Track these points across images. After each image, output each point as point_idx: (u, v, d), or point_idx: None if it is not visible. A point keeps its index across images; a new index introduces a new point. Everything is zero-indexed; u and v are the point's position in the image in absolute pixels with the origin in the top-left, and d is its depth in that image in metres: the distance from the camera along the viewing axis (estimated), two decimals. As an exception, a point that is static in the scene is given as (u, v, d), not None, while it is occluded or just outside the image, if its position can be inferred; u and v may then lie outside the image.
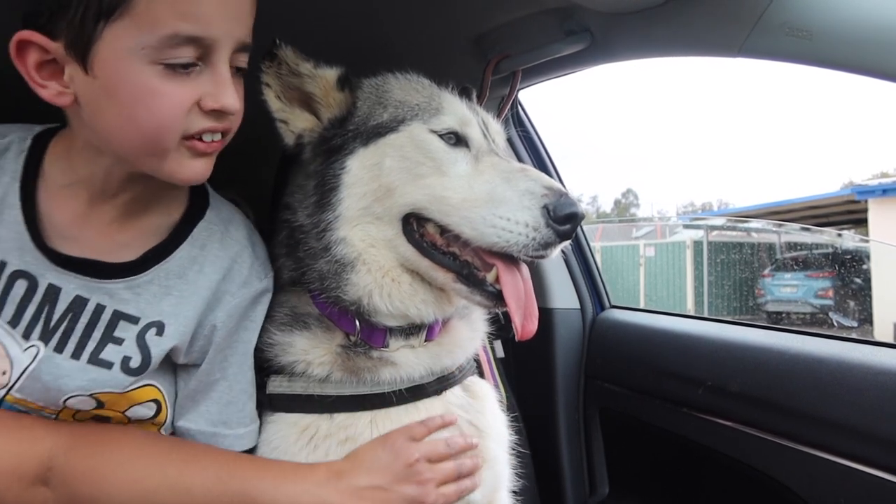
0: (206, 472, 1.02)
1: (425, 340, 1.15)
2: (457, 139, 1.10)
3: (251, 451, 1.15)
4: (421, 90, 1.16)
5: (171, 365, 1.13)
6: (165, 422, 1.14)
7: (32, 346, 1.00)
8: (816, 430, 1.36)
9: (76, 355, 1.01)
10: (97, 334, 1.02)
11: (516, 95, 1.94)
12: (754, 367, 1.52)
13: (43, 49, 0.89)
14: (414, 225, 1.08)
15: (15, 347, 0.99)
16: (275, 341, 1.15)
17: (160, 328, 1.05)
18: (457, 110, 1.13)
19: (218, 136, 0.98)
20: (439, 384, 1.16)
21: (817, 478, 1.35)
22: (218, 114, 0.94)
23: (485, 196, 1.02)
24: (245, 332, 1.13)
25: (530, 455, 1.93)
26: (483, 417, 1.21)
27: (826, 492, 1.33)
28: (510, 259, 1.03)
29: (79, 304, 1.01)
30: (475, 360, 1.30)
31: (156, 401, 1.10)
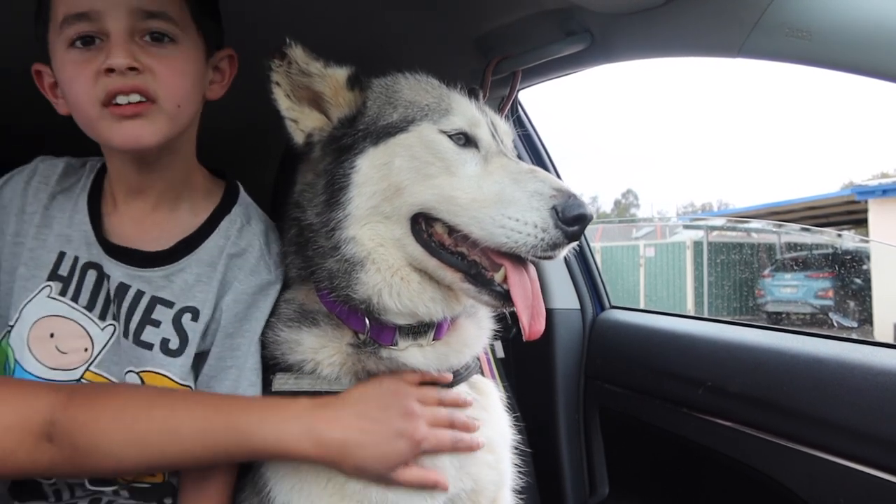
0: (193, 411, 1.04)
1: (433, 339, 1.15)
2: (466, 140, 1.10)
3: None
4: (430, 90, 1.16)
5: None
6: None
7: (110, 324, 1.14)
8: (816, 431, 1.36)
9: (125, 335, 1.14)
10: (136, 317, 1.14)
11: (516, 96, 1.94)
12: (754, 368, 1.52)
13: (49, 74, 1.12)
14: (422, 224, 1.08)
15: (93, 327, 1.14)
16: (282, 339, 1.15)
17: (195, 314, 1.15)
18: (466, 111, 1.13)
19: (136, 98, 1.04)
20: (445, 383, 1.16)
21: (817, 478, 1.35)
22: (116, 75, 1.02)
23: (494, 196, 1.02)
24: (252, 322, 1.19)
25: (530, 455, 1.94)
26: (488, 415, 1.22)
27: (826, 492, 1.33)
28: (518, 259, 1.04)
29: (122, 289, 1.15)
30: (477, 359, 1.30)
31: None
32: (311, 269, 1.13)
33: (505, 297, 1.03)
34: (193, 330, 1.15)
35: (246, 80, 2.28)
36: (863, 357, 1.36)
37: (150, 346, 1.14)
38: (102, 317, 1.15)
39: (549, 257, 1.01)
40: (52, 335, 1.13)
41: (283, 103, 1.14)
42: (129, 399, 1.07)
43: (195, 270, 1.18)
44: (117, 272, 1.15)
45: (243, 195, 1.30)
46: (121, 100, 1.04)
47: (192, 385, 1.17)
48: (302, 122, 1.15)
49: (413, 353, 1.12)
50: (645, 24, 1.34)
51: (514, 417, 1.31)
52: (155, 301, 1.15)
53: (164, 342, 1.14)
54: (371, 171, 1.09)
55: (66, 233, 1.17)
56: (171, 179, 1.19)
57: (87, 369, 1.14)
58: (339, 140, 1.13)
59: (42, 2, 1.09)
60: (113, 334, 1.14)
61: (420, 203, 1.07)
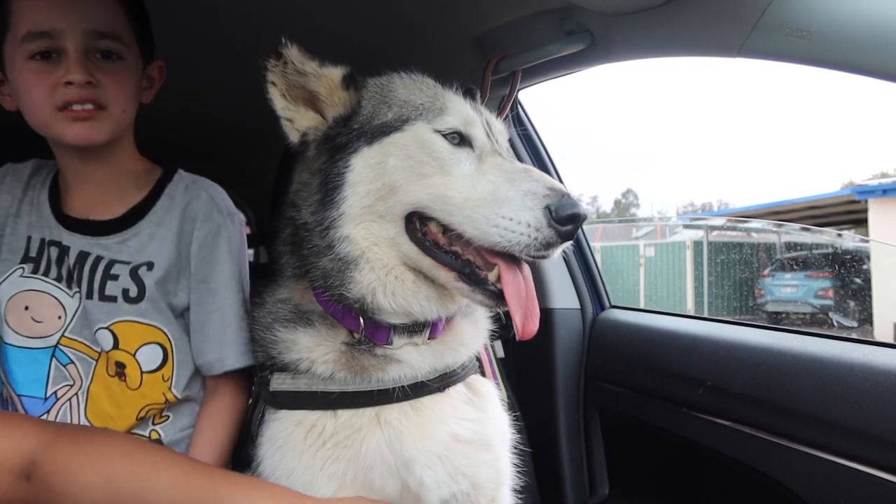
0: (175, 475, 1.02)
1: (429, 338, 1.15)
2: (460, 139, 1.10)
3: (247, 443, 1.18)
4: (425, 90, 1.16)
5: (177, 316, 1.36)
6: (172, 377, 1.34)
7: (77, 291, 1.29)
8: (816, 430, 1.36)
9: (89, 296, 1.29)
10: (98, 277, 1.29)
11: (516, 95, 1.94)
12: (754, 368, 1.52)
13: None
14: (417, 223, 1.08)
15: (64, 296, 1.29)
16: (278, 338, 1.15)
17: (150, 266, 1.32)
18: (461, 110, 1.13)
19: (89, 106, 1.22)
20: (442, 381, 1.16)
21: (817, 478, 1.35)
22: (74, 87, 1.19)
23: (488, 196, 1.02)
24: (220, 264, 1.36)
25: (530, 455, 1.93)
26: (486, 415, 1.21)
27: (826, 492, 1.33)
28: (512, 259, 1.04)
29: (82, 257, 1.30)
30: (476, 359, 1.30)
31: (161, 345, 1.32)
32: (305, 268, 1.13)
33: (499, 297, 1.03)
34: (150, 277, 1.31)
35: (246, 80, 2.28)
36: (863, 357, 1.36)
37: (114, 299, 1.29)
38: (70, 286, 1.30)
39: (543, 257, 1.01)
40: (26, 308, 1.28)
41: (279, 103, 1.14)
42: (112, 449, 1.05)
43: (147, 231, 1.34)
44: (77, 242, 1.31)
45: (183, 172, 1.45)
46: (76, 106, 1.21)
47: (176, 337, 1.33)
48: (297, 122, 1.16)
49: (408, 352, 1.12)
50: (645, 24, 1.34)
51: (514, 417, 1.31)
52: (112, 262, 1.31)
53: (125, 292, 1.30)
54: (365, 170, 1.09)
55: (32, 220, 1.33)
56: (115, 167, 1.35)
57: (62, 335, 1.29)
58: (333, 139, 1.13)
59: (2, 13, 1.21)
60: (80, 302, 1.29)
61: (414, 202, 1.07)
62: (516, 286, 1.02)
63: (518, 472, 1.30)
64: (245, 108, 2.43)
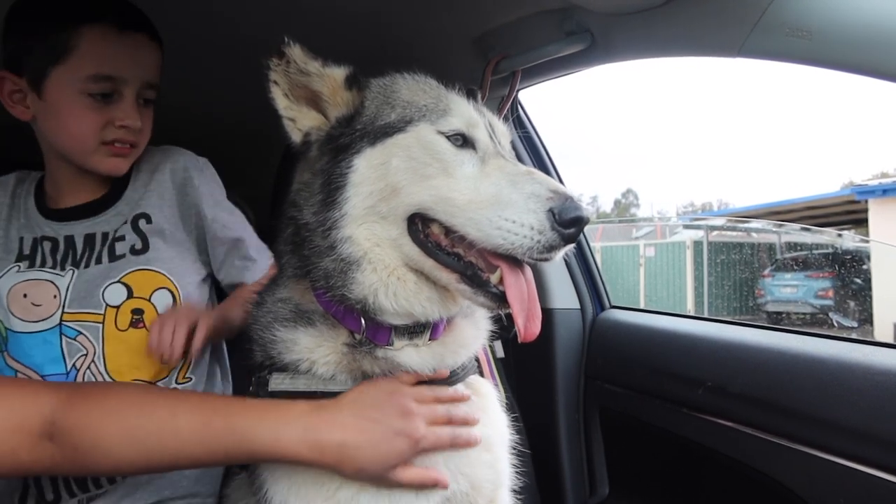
0: (193, 413, 1.04)
1: (430, 339, 1.14)
2: (464, 141, 1.10)
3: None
4: (428, 91, 1.16)
5: (186, 265, 1.50)
6: None
7: (69, 270, 1.41)
8: (817, 431, 1.36)
9: (99, 260, 1.42)
10: (108, 244, 1.43)
11: (516, 95, 1.94)
12: (754, 368, 1.52)
13: (13, 83, 1.35)
14: (419, 225, 1.08)
15: (57, 278, 1.40)
16: (278, 338, 1.15)
17: (147, 218, 1.45)
18: (464, 112, 1.13)
19: (127, 145, 1.40)
20: (441, 382, 1.15)
21: (817, 478, 1.35)
22: (126, 129, 1.36)
23: (491, 198, 1.02)
24: (221, 198, 1.56)
25: (530, 455, 1.93)
26: (485, 415, 1.21)
27: (826, 492, 1.33)
28: (514, 261, 1.04)
29: (90, 239, 1.44)
30: (475, 359, 1.30)
31: (169, 290, 1.44)
32: (307, 268, 1.13)
33: (501, 299, 1.03)
34: (150, 230, 1.45)
35: (247, 81, 2.28)
36: (863, 357, 1.36)
37: (122, 256, 1.42)
38: (62, 268, 1.41)
39: (546, 259, 1.01)
40: (25, 295, 1.39)
41: (281, 102, 1.14)
42: (129, 399, 1.07)
43: (138, 188, 1.48)
44: (79, 228, 1.44)
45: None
46: (119, 144, 1.38)
47: (181, 285, 1.45)
48: (300, 122, 1.15)
49: (409, 353, 1.12)
50: (645, 24, 1.34)
51: (514, 418, 1.31)
52: (117, 230, 1.44)
53: (132, 247, 1.43)
54: (368, 171, 1.08)
55: (22, 223, 1.45)
56: (106, 179, 1.49)
57: (63, 311, 1.39)
58: (336, 139, 1.12)
59: (62, 42, 1.29)
60: (73, 277, 1.40)
61: (417, 203, 1.07)
62: (518, 288, 1.02)
63: (517, 472, 1.29)
64: (245, 107, 2.43)
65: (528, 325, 1.00)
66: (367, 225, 1.08)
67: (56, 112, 1.34)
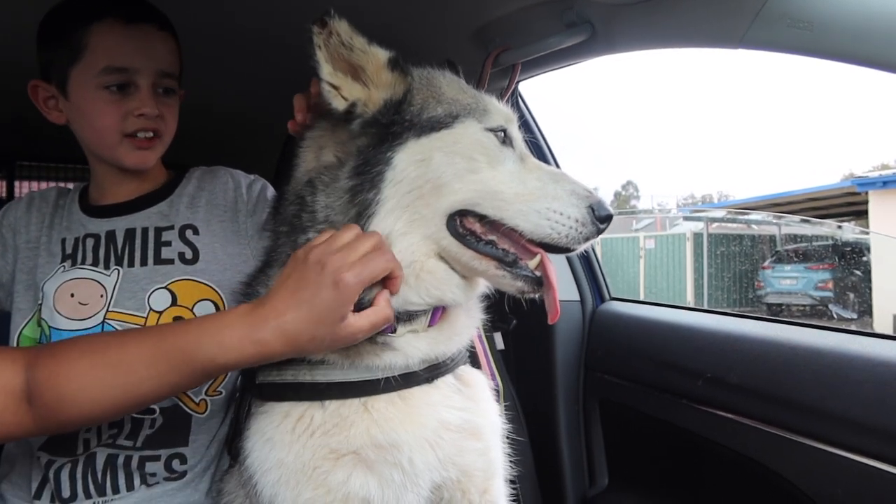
0: (141, 344, 1.05)
1: (427, 326, 1.14)
2: (504, 137, 1.13)
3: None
4: (466, 90, 1.17)
5: (235, 278, 1.44)
6: None
7: (114, 270, 1.43)
8: (815, 422, 1.36)
9: (144, 262, 1.44)
10: (150, 245, 1.45)
11: (516, 87, 1.93)
12: (754, 359, 1.52)
13: (45, 89, 1.43)
14: (457, 219, 1.09)
15: (103, 277, 1.43)
16: None
17: (194, 230, 1.48)
18: (502, 110, 1.16)
19: (150, 135, 1.41)
20: (430, 372, 1.15)
21: (816, 469, 1.35)
22: (144, 118, 1.38)
23: (537, 191, 1.09)
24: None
25: (530, 446, 1.94)
26: (475, 405, 1.21)
27: (825, 483, 1.34)
28: (548, 250, 1.11)
29: (130, 234, 1.46)
30: (471, 349, 1.30)
31: (214, 303, 1.43)
32: None
33: (538, 283, 1.10)
34: (199, 241, 1.46)
35: (247, 72, 2.28)
36: (862, 348, 1.36)
37: (171, 261, 1.44)
38: (107, 267, 1.43)
39: (576, 250, 1.10)
40: (72, 295, 1.40)
41: (325, 68, 1.09)
42: (86, 347, 1.08)
43: (184, 198, 1.51)
44: (121, 224, 1.46)
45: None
46: (140, 134, 1.40)
47: (227, 298, 1.41)
48: (345, 90, 1.11)
49: (408, 339, 1.12)
50: (646, 15, 1.33)
51: (512, 408, 1.31)
52: (159, 230, 1.47)
53: (181, 255, 1.45)
54: (409, 165, 1.07)
55: (63, 226, 1.49)
56: (147, 176, 1.53)
57: (107, 311, 1.40)
58: (386, 126, 1.10)
59: (75, 42, 1.34)
60: (118, 276, 1.42)
61: (461, 200, 1.08)
62: (554, 273, 1.11)
63: (514, 462, 1.29)
64: (244, 99, 2.43)
65: (558, 307, 1.11)
66: (400, 221, 1.08)
67: (80, 110, 1.39)
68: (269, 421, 1.11)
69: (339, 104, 1.10)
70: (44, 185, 3.40)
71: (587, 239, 1.09)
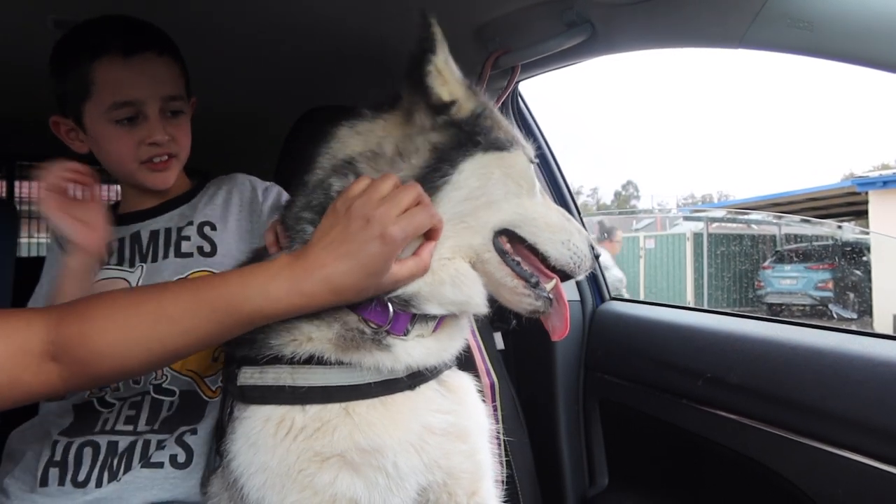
0: (179, 296, 1.05)
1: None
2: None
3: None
4: (507, 120, 1.24)
5: None
6: None
7: (139, 266, 1.51)
8: (816, 422, 1.36)
9: (166, 256, 1.51)
10: (172, 240, 1.53)
11: (515, 87, 1.93)
12: (754, 359, 1.52)
13: (65, 123, 1.48)
14: (500, 237, 1.15)
15: (127, 274, 1.50)
16: (274, 327, 1.11)
17: (212, 226, 1.55)
18: (531, 148, 1.24)
19: (165, 157, 1.47)
20: (413, 379, 1.14)
21: (817, 469, 1.35)
22: (160, 145, 1.44)
23: (557, 225, 1.18)
24: None
25: (530, 446, 1.94)
26: (462, 408, 1.21)
27: (825, 482, 1.33)
28: (559, 276, 1.21)
29: (154, 234, 1.54)
30: (466, 352, 1.29)
31: None
32: None
33: (549, 303, 1.18)
34: (216, 237, 1.53)
35: (247, 70, 2.27)
36: (862, 348, 1.36)
37: (190, 255, 1.50)
38: (132, 265, 1.51)
39: (579, 278, 1.23)
40: None
41: (441, 55, 1.12)
42: (116, 301, 1.08)
43: (204, 200, 1.59)
44: (144, 226, 1.54)
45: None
46: (156, 159, 1.46)
47: None
48: (451, 85, 1.13)
49: (412, 344, 1.12)
50: (646, 15, 1.33)
51: (514, 409, 1.31)
52: (181, 228, 1.54)
53: (200, 248, 1.51)
54: (472, 176, 1.10)
55: None
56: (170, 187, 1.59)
57: None
58: (468, 134, 1.12)
59: (82, 79, 1.39)
60: (142, 271, 1.50)
61: (507, 220, 1.14)
62: (565, 296, 1.22)
63: (514, 462, 1.29)
64: (244, 100, 2.43)
65: (567, 326, 1.21)
66: (447, 224, 1.10)
67: (98, 142, 1.46)
68: (252, 425, 1.10)
69: (444, 94, 1.12)
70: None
71: (587, 271, 1.22)
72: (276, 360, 1.11)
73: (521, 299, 1.17)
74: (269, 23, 1.76)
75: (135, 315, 1.04)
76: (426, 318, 1.13)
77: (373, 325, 1.10)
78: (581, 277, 1.23)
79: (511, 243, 1.16)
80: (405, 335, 1.11)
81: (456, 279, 1.11)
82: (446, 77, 1.13)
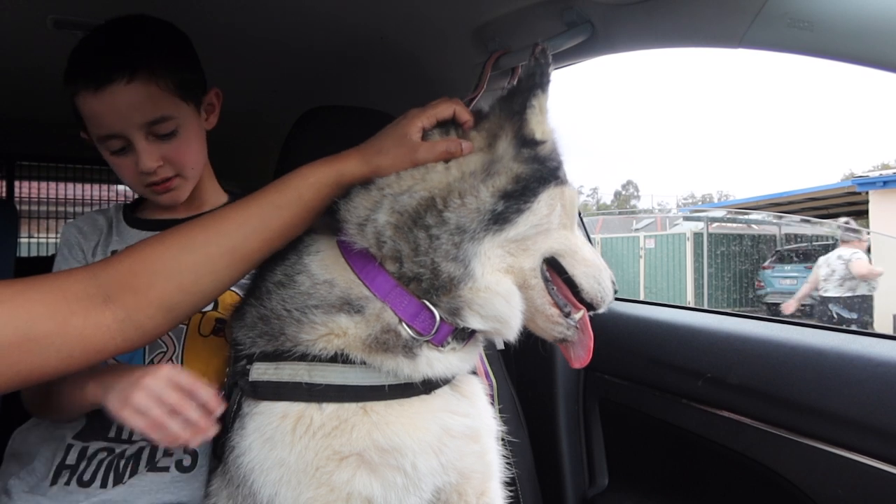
0: (227, 217, 1.12)
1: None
2: None
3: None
4: None
5: None
6: None
7: None
8: (816, 422, 1.36)
9: None
10: None
11: (516, 87, 1.92)
12: (754, 359, 1.52)
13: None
14: (545, 265, 1.18)
15: None
16: (310, 322, 1.11)
17: None
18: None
19: (168, 180, 1.44)
20: (426, 386, 1.14)
21: (816, 469, 1.35)
22: (153, 172, 1.41)
23: (592, 260, 1.23)
24: None
25: (530, 447, 1.94)
26: (471, 408, 1.22)
27: (825, 483, 1.34)
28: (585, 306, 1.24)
29: None
30: None
31: None
32: (419, 260, 1.08)
33: (575, 331, 1.22)
34: None
35: (247, 70, 2.27)
36: (862, 348, 1.36)
37: None
38: None
39: (601, 311, 1.26)
40: None
41: (547, 95, 1.18)
42: (160, 238, 1.11)
43: None
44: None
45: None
46: (157, 184, 1.44)
47: None
48: (545, 126, 1.17)
49: (441, 357, 1.14)
50: (646, 14, 1.33)
51: (514, 410, 1.31)
52: None
53: None
54: (544, 206, 1.13)
55: (116, 239, 1.55)
56: (198, 200, 1.59)
57: None
58: (551, 170, 1.16)
59: (76, 111, 1.39)
60: None
61: (554, 249, 1.17)
62: (590, 327, 1.25)
63: (514, 462, 1.30)
64: (244, 100, 2.43)
65: (589, 356, 1.24)
66: (513, 244, 1.13)
67: (112, 165, 1.47)
68: (267, 421, 1.10)
69: (538, 133, 1.16)
70: (44, 185, 3.40)
71: (608, 305, 1.26)
72: (298, 356, 1.11)
73: (555, 327, 1.20)
74: (269, 22, 1.77)
75: (187, 240, 1.09)
76: (462, 333, 1.16)
77: (414, 332, 1.10)
78: (603, 311, 1.26)
79: (550, 271, 1.19)
80: (442, 346, 1.13)
81: (508, 294, 1.13)
82: (543, 116, 1.17)
